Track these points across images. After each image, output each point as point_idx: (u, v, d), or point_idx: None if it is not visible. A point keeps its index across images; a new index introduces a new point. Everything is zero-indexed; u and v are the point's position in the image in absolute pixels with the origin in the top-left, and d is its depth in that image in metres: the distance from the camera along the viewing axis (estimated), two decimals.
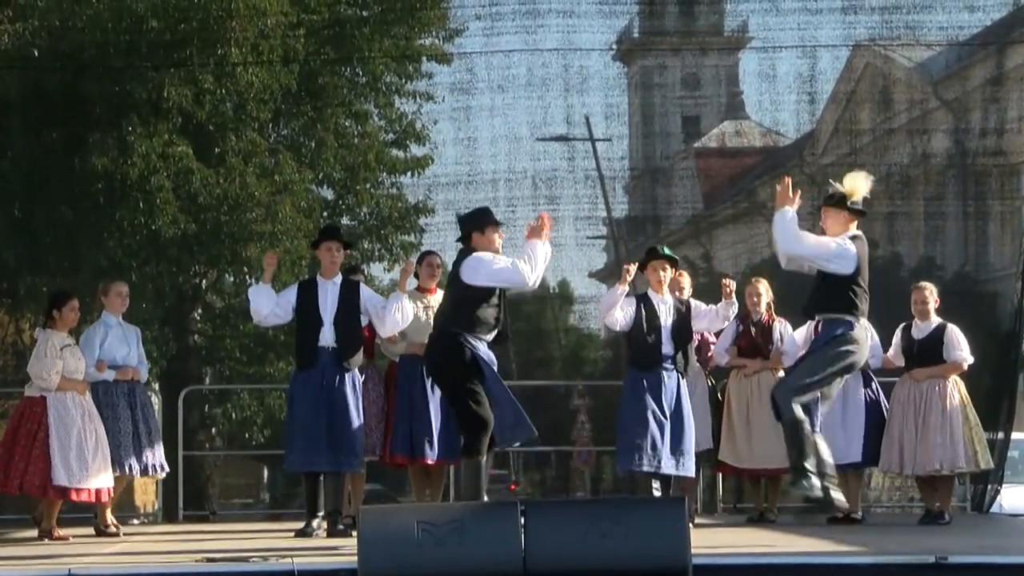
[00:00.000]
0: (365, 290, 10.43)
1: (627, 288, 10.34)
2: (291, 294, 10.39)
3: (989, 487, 12.54)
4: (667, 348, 10.45)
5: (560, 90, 16.52)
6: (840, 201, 9.36)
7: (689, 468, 10.45)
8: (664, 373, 10.40)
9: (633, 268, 10.39)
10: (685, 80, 22.25)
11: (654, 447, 10.24)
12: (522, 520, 7.47)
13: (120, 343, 10.88)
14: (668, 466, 10.30)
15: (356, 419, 10.13)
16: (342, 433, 10.04)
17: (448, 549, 7.35)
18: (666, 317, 10.47)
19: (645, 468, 10.25)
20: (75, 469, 10.25)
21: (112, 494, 10.68)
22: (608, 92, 17.27)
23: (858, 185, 9.41)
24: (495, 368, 9.26)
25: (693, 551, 7.49)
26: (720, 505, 13.22)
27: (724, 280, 10.81)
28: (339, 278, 10.35)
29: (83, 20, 15.68)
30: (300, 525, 10.29)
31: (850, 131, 17.87)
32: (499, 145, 16.55)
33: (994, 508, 12.62)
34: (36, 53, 15.53)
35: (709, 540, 9.00)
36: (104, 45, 15.65)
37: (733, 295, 10.63)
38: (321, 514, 10.16)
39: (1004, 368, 13.10)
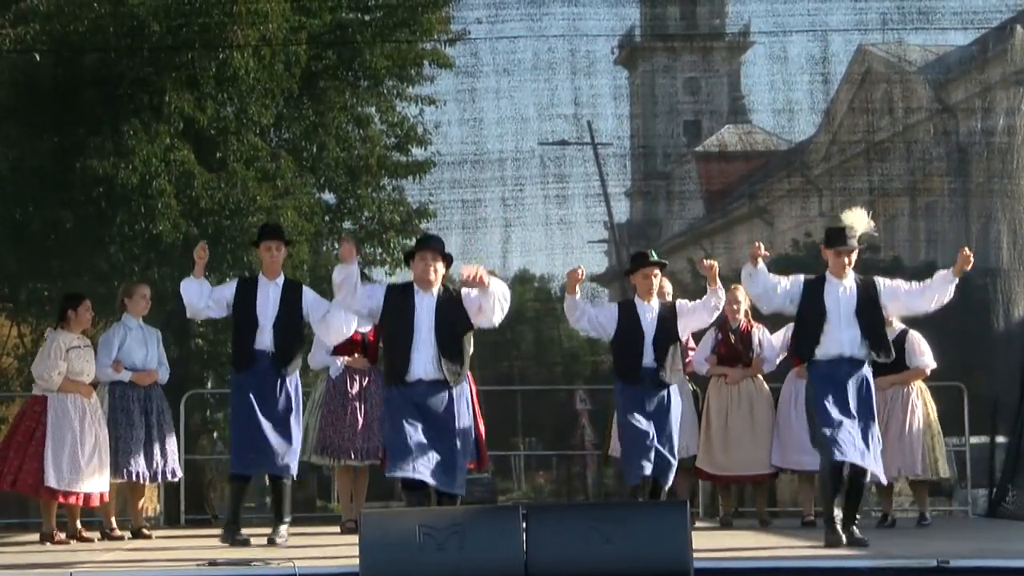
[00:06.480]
0: (309, 293, 9.94)
1: (578, 293, 9.91)
2: (227, 290, 9.96)
3: (1005, 491, 12.51)
4: (648, 359, 9.95)
5: (567, 72, 16.42)
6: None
7: (669, 478, 10.05)
8: (647, 384, 9.94)
9: (582, 272, 9.95)
10: (686, 84, 22.21)
11: (644, 464, 9.86)
12: (523, 524, 7.48)
13: (139, 345, 10.86)
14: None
15: (295, 426, 9.78)
16: (279, 440, 9.65)
17: (449, 553, 7.35)
18: (649, 326, 10.00)
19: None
20: (65, 472, 10.24)
21: (106, 498, 10.67)
22: (616, 74, 17.22)
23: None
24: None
25: (695, 555, 7.49)
26: (721, 509, 13.20)
27: (705, 262, 9.99)
28: (281, 279, 9.93)
29: (84, 24, 15.68)
30: (302, 530, 10.24)
31: (866, 110, 17.67)
32: (506, 125, 16.45)
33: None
34: (38, 57, 15.51)
35: (710, 544, 9.00)
36: (105, 49, 15.64)
37: (718, 279, 9.84)
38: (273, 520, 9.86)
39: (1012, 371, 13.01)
